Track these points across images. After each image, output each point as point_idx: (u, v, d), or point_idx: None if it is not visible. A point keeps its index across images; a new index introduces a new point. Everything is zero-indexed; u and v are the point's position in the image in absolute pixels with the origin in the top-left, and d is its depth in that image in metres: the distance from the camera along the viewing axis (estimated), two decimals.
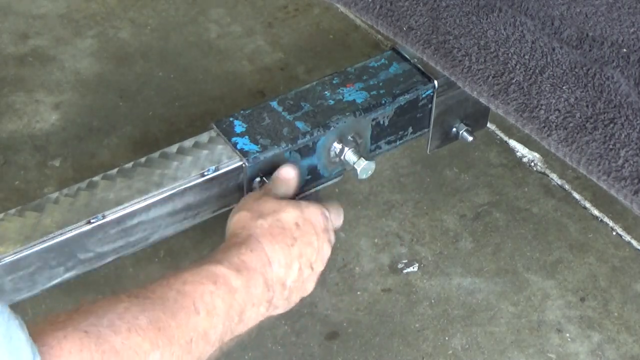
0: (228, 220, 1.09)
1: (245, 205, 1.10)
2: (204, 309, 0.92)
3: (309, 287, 1.09)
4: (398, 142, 1.41)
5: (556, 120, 1.01)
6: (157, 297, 0.91)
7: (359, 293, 1.61)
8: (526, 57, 1.08)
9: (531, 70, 1.06)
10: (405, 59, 1.39)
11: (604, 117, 1.01)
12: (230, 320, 0.96)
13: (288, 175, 1.18)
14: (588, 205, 1.77)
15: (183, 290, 0.92)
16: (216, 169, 1.23)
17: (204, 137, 1.28)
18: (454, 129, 1.45)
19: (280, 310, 1.06)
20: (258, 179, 1.25)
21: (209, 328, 0.93)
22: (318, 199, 1.29)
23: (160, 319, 0.88)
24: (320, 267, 1.10)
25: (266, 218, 1.06)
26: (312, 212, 1.11)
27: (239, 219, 1.08)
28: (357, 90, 1.35)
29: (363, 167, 1.32)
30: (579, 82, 1.04)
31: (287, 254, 1.05)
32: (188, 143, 1.26)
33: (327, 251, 1.11)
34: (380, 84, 1.36)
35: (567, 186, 1.81)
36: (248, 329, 1.02)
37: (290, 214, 1.08)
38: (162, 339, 0.87)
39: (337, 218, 1.17)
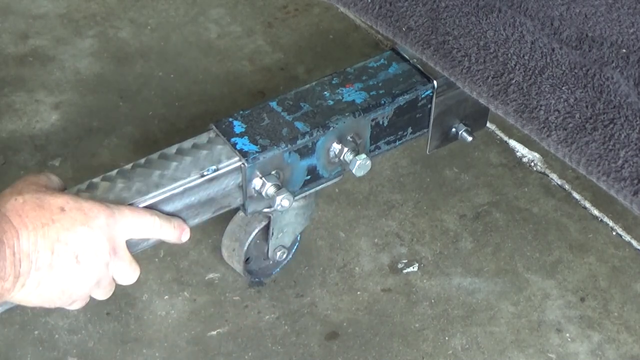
0: None
1: (13, 184, 1.05)
2: None
3: (78, 283, 1.01)
4: (397, 143, 1.41)
5: (556, 121, 1.02)
6: None
7: (359, 293, 1.61)
8: (526, 57, 1.08)
9: (531, 71, 1.06)
10: (405, 59, 1.40)
11: (604, 118, 1.01)
12: None
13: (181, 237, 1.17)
14: (588, 205, 1.77)
15: None
16: (216, 170, 1.23)
17: (203, 138, 1.28)
18: (454, 129, 1.45)
19: (33, 298, 0.99)
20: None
21: None
22: None
23: None
24: (90, 263, 1.01)
25: (24, 195, 1.00)
26: (94, 207, 1.04)
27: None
28: (356, 91, 1.35)
29: (359, 165, 1.32)
30: (579, 83, 1.04)
31: (37, 232, 0.97)
32: (187, 144, 1.26)
33: (103, 245, 1.02)
34: (380, 84, 1.36)
35: (567, 186, 1.81)
36: None
37: (58, 198, 1.02)
38: None
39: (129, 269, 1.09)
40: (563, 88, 1.04)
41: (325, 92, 1.35)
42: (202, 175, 1.21)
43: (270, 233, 1.47)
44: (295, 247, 1.61)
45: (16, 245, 0.95)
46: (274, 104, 1.33)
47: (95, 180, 1.18)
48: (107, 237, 1.04)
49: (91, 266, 1.02)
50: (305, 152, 1.29)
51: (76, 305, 1.07)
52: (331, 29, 2.15)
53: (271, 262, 1.57)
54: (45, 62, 2.04)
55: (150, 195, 1.18)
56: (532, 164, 1.85)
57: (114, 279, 1.08)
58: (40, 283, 0.98)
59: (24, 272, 0.96)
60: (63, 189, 1.10)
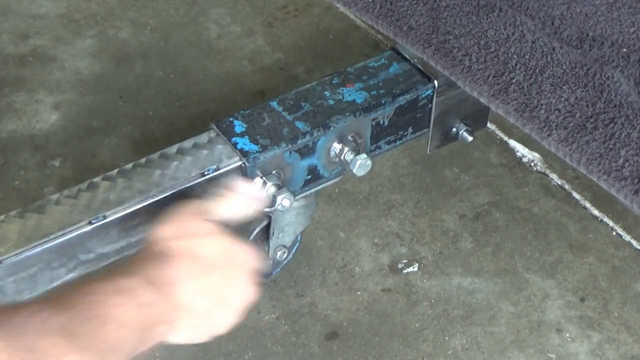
0: (152, 232, 1.03)
1: (175, 217, 1.04)
2: (114, 320, 0.89)
3: (220, 325, 1.03)
4: (398, 142, 1.41)
5: (556, 120, 1.02)
6: (66, 305, 0.87)
7: (359, 293, 1.61)
8: (526, 56, 1.08)
9: (531, 70, 1.06)
10: (405, 59, 1.39)
11: (604, 117, 1.01)
12: (138, 334, 0.92)
13: (251, 192, 1.14)
14: (588, 205, 1.78)
15: (91, 300, 0.89)
16: (216, 169, 1.23)
17: (203, 137, 1.28)
18: (454, 129, 1.45)
19: (184, 339, 1.01)
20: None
21: (119, 339, 0.88)
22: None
23: (71, 324, 0.84)
24: (238, 307, 1.03)
25: (187, 239, 1.00)
26: (242, 249, 1.04)
27: (162, 230, 1.02)
28: (357, 90, 1.35)
29: (359, 164, 1.32)
30: (579, 82, 1.04)
31: (197, 280, 0.99)
32: (188, 143, 1.26)
33: (249, 293, 1.04)
34: (380, 84, 1.36)
35: (567, 186, 1.81)
36: (149, 348, 0.96)
37: (217, 244, 1.02)
38: (75, 343, 0.83)
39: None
40: (564, 87, 1.04)
41: (326, 92, 1.34)
42: (203, 175, 1.21)
43: (271, 233, 1.47)
44: (296, 247, 1.61)
45: (174, 293, 0.96)
46: (274, 104, 1.32)
47: (96, 180, 1.18)
48: (253, 281, 1.06)
49: (240, 309, 1.05)
50: (305, 151, 1.29)
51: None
52: (331, 29, 2.15)
53: (271, 262, 1.57)
54: (45, 62, 2.04)
55: (151, 194, 1.18)
56: (532, 164, 1.86)
57: None
58: (194, 328, 1.00)
59: (179, 319, 0.98)
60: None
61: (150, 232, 1.02)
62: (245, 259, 1.03)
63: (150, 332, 0.93)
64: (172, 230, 1.01)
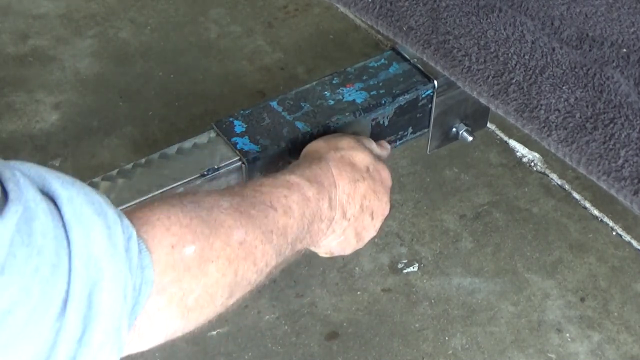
0: (304, 149, 1.13)
1: (324, 137, 1.15)
2: (281, 207, 0.95)
3: (366, 235, 1.11)
4: (398, 142, 1.41)
5: (556, 120, 1.01)
6: (235, 192, 0.94)
7: (359, 293, 1.61)
8: (526, 57, 1.08)
9: (531, 70, 1.06)
10: (405, 59, 1.39)
11: (604, 117, 1.00)
12: (302, 226, 0.98)
13: (388, 151, 1.24)
14: (588, 205, 1.77)
15: (260, 190, 0.95)
16: (216, 169, 1.23)
17: (203, 138, 1.28)
18: (454, 129, 1.45)
19: (335, 245, 1.08)
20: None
21: (286, 225, 0.94)
22: None
23: (240, 204, 0.90)
24: (378, 221, 1.12)
25: (340, 150, 1.10)
26: (384, 167, 1.13)
27: (313, 146, 1.12)
28: (356, 90, 1.35)
29: None
30: (579, 82, 1.04)
31: (352, 186, 1.07)
32: (188, 143, 1.26)
33: (387, 208, 1.12)
34: (380, 84, 1.36)
35: (567, 186, 1.81)
36: (312, 244, 1.04)
37: (365, 156, 1.11)
38: (246, 220, 0.89)
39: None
40: (563, 87, 1.03)
41: (326, 92, 1.34)
42: (203, 175, 1.21)
43: None
44: None
45: (334, 192, 1.05)
46: (274, 104, 1.32)
47: (96, 180, 1.18)
48: (390, 198, 1.14)
49: (378, 223, 1.13)
50: None
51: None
52: (331, 29, 2.15)
53: None
54: (45, 62, 2.04)
55: (151, 195, 1.17)
56: (532, 164, 1.85)
57: None
58: (344, 232, 1.08)
59: (336, 219, 1.05)
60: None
61: (305, 149, 1.13)
62: (387, 176, 1.12)
63: (312, 227, 1.00)
64: (325, 144, 1.11)
